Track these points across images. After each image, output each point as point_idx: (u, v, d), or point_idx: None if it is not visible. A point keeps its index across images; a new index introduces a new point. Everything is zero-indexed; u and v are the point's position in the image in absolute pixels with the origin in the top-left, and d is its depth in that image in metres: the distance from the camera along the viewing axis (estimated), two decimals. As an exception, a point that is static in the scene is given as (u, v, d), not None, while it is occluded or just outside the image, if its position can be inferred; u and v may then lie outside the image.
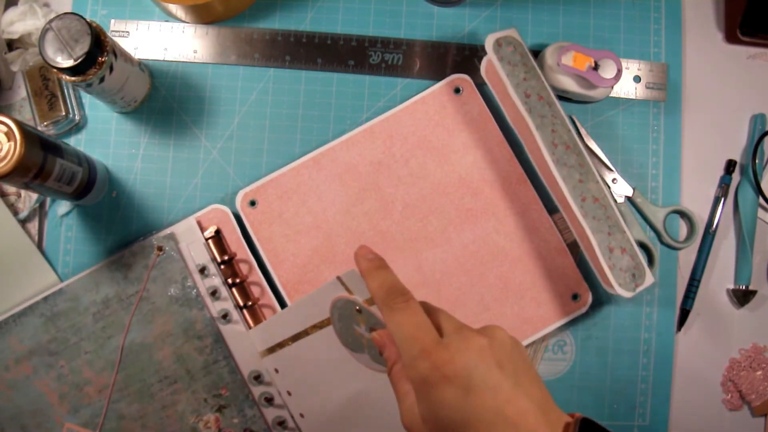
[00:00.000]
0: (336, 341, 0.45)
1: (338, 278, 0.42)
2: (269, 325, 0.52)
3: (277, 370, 0.52)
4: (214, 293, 0.52)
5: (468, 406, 0.30)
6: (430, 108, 0.56)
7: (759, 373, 0.56)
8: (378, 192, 0.55)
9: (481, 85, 0.57)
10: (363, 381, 0.46)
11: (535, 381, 0.33)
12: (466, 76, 0.56)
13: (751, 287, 0.56)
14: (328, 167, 0.55)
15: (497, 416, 0.30)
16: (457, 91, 0.56)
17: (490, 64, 0.53)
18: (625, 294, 0.50)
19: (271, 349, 0.52)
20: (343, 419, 0.50)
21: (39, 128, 0.55)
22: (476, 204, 0.55)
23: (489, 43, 0.52)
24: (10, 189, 0.56)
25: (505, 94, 0.54)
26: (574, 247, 0.55)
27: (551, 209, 0.55)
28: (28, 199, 0.56)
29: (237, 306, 0.53)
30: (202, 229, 0.54)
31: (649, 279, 0.50)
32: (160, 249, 0.53)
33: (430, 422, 0.32)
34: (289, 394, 0.52)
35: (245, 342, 0.52)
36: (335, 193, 0.55)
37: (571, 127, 0.51)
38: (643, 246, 0.56)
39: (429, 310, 0.35)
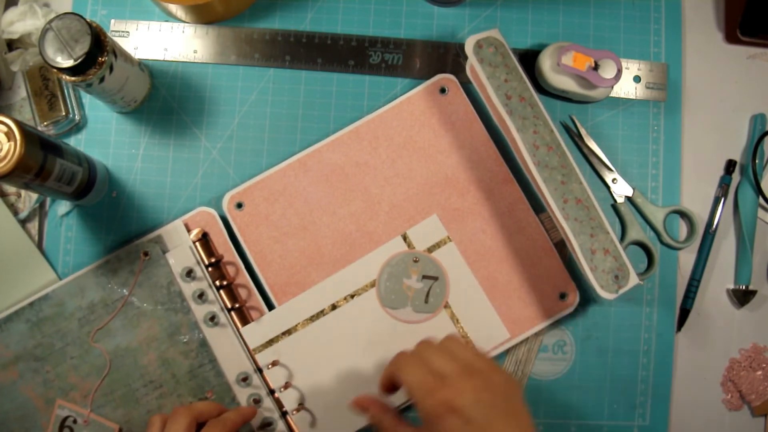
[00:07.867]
0: (351, 318, 0.53)
1: (402, 235, 0.53)
2: (276, 314, 0.52)
3: (276, 362, 0.52)
4: (200, 296, 0.52)
5: None
6: (416, 108, 0.56)
7: (759, 373, 0.56)
8: (364, 193, 0.55)
9: (467, 85, 0.56)
10: (376, 354, 0.53)
11: (520, 418, 0.39)
12: (451, 76, 0.56)
13: (751, 287, 0.56)
14: (315, 169, 0.55)
15: None
16: (442, 91, 0.56)
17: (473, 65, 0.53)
18: (607, 296, 0.49)
19: (273, 341, 0.52)
20: (345, 401, 0.50)
21: (39, 128, 0.55)
22: (462, 204, 0.55)
23: (469, 45, 0.52)
24: (10, 189, 0.56)
25: (488, 95, 0.54)
26: (562, 246, 0.55)
27: (538, 208, 0.55)
28: (28, 199, 0.56)
29: (224, 308, 0.53)
30: (189, 232, 0.54)
31: (633, 280, 0.50)
32: (146, 254, 0.53)
33: None
34: (288, 385, 0.52)
35: (232, 344, 0.52)
36: (322, 195, 0.55)
37: (554, 128, 0.51)
38: (643, 246, 0.56)
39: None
